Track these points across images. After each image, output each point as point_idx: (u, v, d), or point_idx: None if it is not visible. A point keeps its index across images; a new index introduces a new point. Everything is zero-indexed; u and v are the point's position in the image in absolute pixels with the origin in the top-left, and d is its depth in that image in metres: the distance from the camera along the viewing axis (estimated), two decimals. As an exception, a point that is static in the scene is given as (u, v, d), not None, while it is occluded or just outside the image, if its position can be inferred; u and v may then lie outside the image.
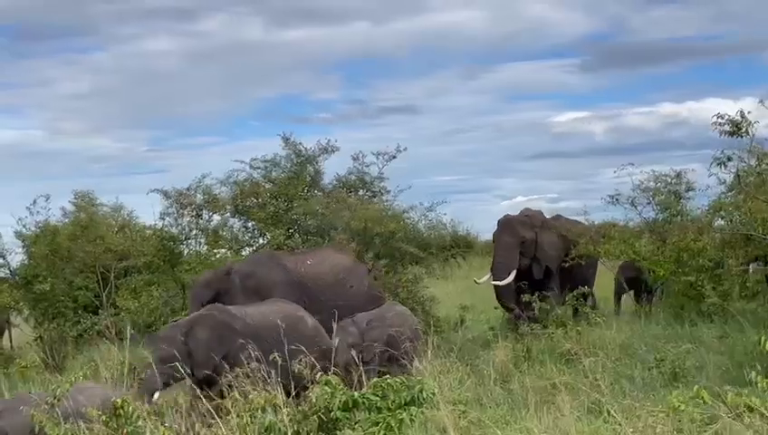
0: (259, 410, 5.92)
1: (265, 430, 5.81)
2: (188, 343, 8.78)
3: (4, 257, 15.51)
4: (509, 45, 41.92)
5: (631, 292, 15.01)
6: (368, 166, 15.88)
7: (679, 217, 14.09)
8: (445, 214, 15.86)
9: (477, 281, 14.38)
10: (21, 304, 15.22)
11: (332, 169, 16.11)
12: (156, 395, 8.26)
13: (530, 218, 14.18)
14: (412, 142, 37.65)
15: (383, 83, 46.18)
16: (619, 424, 6.63)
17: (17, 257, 15.79)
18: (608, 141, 39.62)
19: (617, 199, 14.30)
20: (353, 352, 9.14)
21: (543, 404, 8.00)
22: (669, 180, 14.23)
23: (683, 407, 5.80)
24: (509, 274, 13.53)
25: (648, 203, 14.29)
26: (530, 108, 47.88)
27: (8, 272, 15.75)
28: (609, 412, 7.26)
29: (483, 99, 45.55)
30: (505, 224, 14.13)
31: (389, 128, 41.75)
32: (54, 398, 6.64)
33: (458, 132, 43.05)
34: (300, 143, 15.78)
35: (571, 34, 42.17)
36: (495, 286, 13.73)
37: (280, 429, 5.79)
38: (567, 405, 7.50)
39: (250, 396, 6.18)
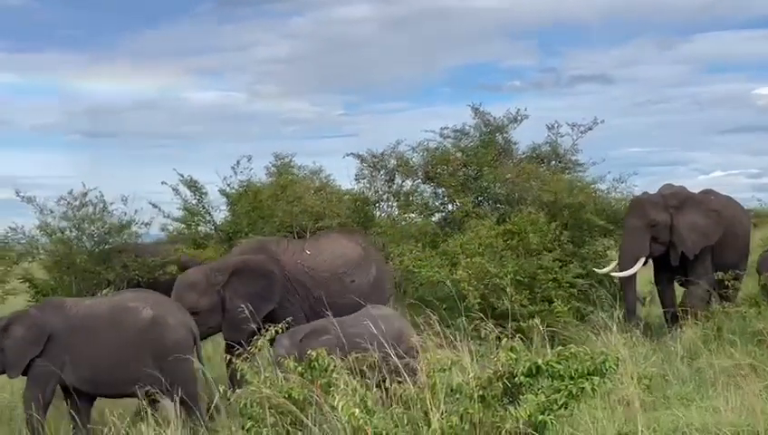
0: (446, 371, 6.12)
1: (452, 391, 6.02)
2: (2, 340, 8.56)
3: (210, 214, 16.39)
4: (710, 14, 40.34)
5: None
6: (561, 136, 15.83)
7: None
8: (636, 186, 15.46)
9: (597, 270, 12.80)
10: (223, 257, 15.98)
11: (525, 137, 16.10)
12: None
13: (664, 198, 12.59)
14: (604, 112, 36.99)
15: (577, 52, 45.53)
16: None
17: (222, 214, 16.65)
18: (815, 115, 37.57)
19: (823, 177, 13.65)
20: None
21: (731, 384, 7.89)
22: None
23: None
24: (636, 262, 12.15)
25: None
26: (730, 79, 46.07)
27: (213, 228, 16.60)
28: (801, 396, 7.11)
29: (680, 69, 44.28)
30: (634, 205, 12.78)
31: (581, 97, 41.15)
32: (256, 347, 7.11)
33: (653, 103, 41.98)
34: (488, 113, 15.84)
35: (776, 2, 40.02)
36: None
37: (466, 392, 5.98)
38: (757, 386, 7.40)
39: (438, 356, 6.40)
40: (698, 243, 12.31)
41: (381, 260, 11.32)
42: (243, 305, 9.52)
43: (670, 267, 12.50)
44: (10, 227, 16.38)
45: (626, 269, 12.14)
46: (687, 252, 12.25)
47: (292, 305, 9.98)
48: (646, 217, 12.27)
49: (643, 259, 12.22)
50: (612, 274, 12.45)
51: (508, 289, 10.91)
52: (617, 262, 12.45)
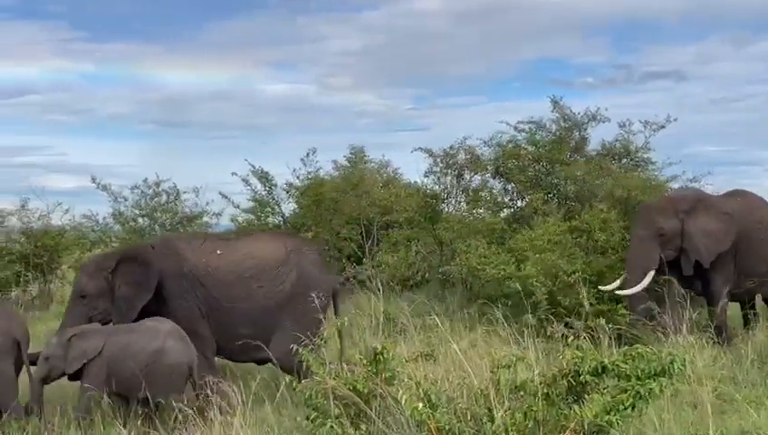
0: (510, 368, 6.10)
1: (516, 388, 6.00)
2: None
3: (279, 206, 16.57)
4: (788, 11, 39.33)
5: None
6: (634, 134, 15.55)
7: None
8: (710, 185, 15.09)
9: (602, 288, 11.33)
10: (290, 250, 16.11)
11: (596, 134, 15.84)
12: None
13: (673, 203, 11.53)
14: (678, 109, 36.32)
15: (650, 48, 44.76)
16: None
17: (291, 206, 16.86)
18: None
19: None
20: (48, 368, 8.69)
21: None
22: None
23: None
24: (644, 276, 10.99)
25: None
26: (809, 77, 44.81)
27: (281, 219, 16.79)
28: None
29: (757, 66, 43.20)
30: (640, 213, 11.72)
31: (654, 94, 40.42)
32: (321, 339, 7.17)
33: (729, 101, 41.03)
34: (569, 108, 15.48)
35: None
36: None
37: (530, 389, 5.95)
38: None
39: (501, 353, 6.38)
40: (712, 250, 11.25)
41: (313, 266, 10.19)
42: (128, 292, 9.60)
43: (680, 275, 11.31)
44: (85, 215, 16.78)
45: (634, 285, 11.01)
46: (702, 260, 11.21)
47: (187, 302, 9.65)
48: (652, 227, 11.26)
49: (652, 272, 11.07)
50: (618, 292, 11.16)
51: (579, 287, 10.79)
52: (623, 277, 11.25)
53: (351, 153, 18.06)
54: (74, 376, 8.72)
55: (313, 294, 9.58)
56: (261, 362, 9.89)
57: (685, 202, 11.51)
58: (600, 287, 11.33)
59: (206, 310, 9.64)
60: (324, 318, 9.01)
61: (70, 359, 8.62)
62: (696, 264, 11.24)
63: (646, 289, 11.08)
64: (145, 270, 9.65)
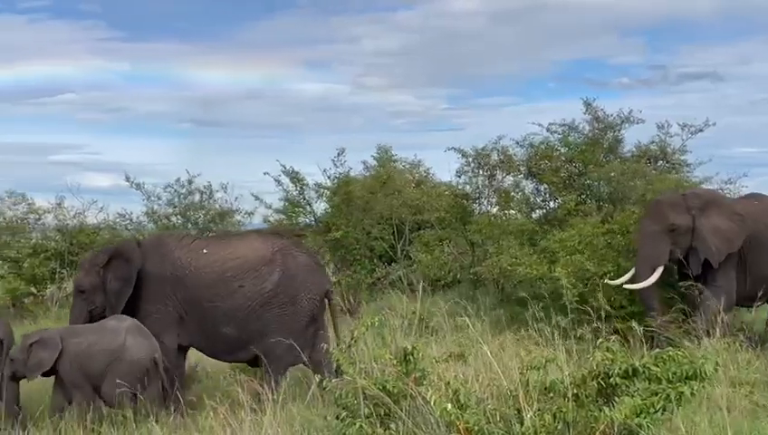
0: (539, 369, 6.09)
1: (545, 389, 5.98)
2: None
3: (310, 205, 16.62)
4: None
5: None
6: (671, 136, 15.40)
7: None
8: (746, 187, 14.90)
9: (610, 282, 11.14)
10: (322, 249, 16.21)
11: (631, 135, 15.71)
12: None
13: (686, 199, 11.30)
14: (715, 111, 36.16)
15: (686, 49, 44.43)
16: None
17: (323, 205, 16.92)
18: None
19: None
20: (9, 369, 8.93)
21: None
22: None
23: None
24: (653, 271, 10.84)
25: None
26: None
27: (312, 219, 16.85)
28: None
29: (795, 68, 42.68)
30: (652, 207, 11.45)
31: (691, 95, 40.09)
32: (351, 339, 7.18)
33: (766, 102, 40.57)
34: (602, 109, 15.32)
35: None
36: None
37: (560, 390, 5.93)
38: None
39: (532, 354, 6.37)
40: (722, 249, 11.01)
41: (300, 267, 10.08)
42: (117, 287, 9.86)
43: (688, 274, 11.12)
44: (119, 214, 16.95)
45: (642, 280, 10.90)
46: (712, 259, 10.95)
47: (166, 307, 9.79)
48: (664, 221, 11.05)
49: (661, 268, 10.93)
50: (626, 286, 11.04)
51: (606, 289, 10.72)
52: (632, 272, 11.15)
53: (379, 153, 18.08)
54: (50, 372, 8.97)
55: (300, 296, 9.79)
56: (249, 362, 9.95)
57: (697, 199, 11.34)
58: (607, 282, 11.13)
59: (187, 310, 9.76)
60: (354, 319, 9.05)
61: (29, 365, 8.87)
62: (704, 262, 11.07)
63: (677, 293, 11.01)
64: (127, 265, 9.89)
